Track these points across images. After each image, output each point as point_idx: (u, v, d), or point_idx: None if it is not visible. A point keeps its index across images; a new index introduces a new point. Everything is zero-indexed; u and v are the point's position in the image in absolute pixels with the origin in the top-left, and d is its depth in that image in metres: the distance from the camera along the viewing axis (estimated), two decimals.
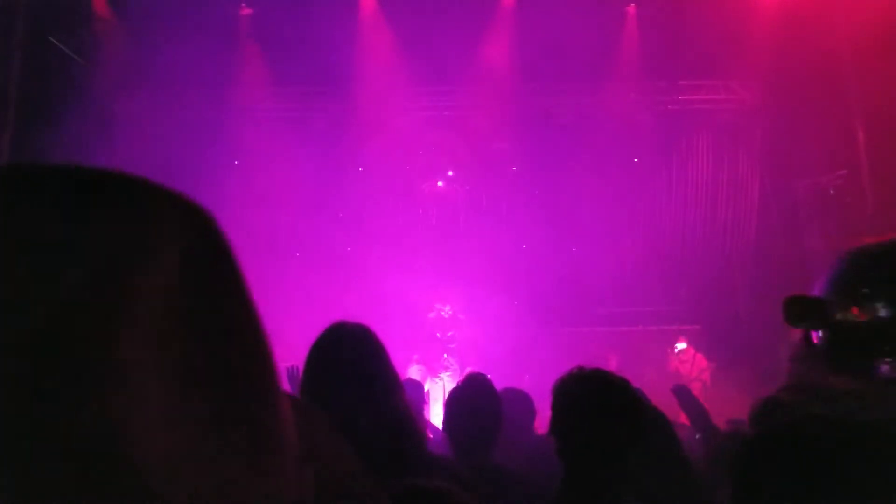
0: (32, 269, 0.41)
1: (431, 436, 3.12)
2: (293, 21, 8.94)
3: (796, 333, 1.38)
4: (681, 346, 9.36)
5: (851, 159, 8.80)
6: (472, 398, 2.50)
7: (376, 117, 10.11)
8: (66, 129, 7.58)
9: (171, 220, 0.46)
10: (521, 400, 3.14)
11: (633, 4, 9.88)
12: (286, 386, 3.52)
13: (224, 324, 0.47)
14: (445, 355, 8.73)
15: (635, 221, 10.65)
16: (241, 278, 0.50)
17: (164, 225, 0.45)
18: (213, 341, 0.46)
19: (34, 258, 0.41)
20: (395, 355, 1.95)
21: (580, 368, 1.90)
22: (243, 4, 9.75)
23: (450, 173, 10.99)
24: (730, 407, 4.99)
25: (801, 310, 1.30)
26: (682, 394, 3.45)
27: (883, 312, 1.20)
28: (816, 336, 1.31)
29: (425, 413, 4.37)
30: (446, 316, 8.83)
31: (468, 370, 8.56)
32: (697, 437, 3.59)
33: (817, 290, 1.31)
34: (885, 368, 1.20)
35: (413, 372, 8.25)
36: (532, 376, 9.12)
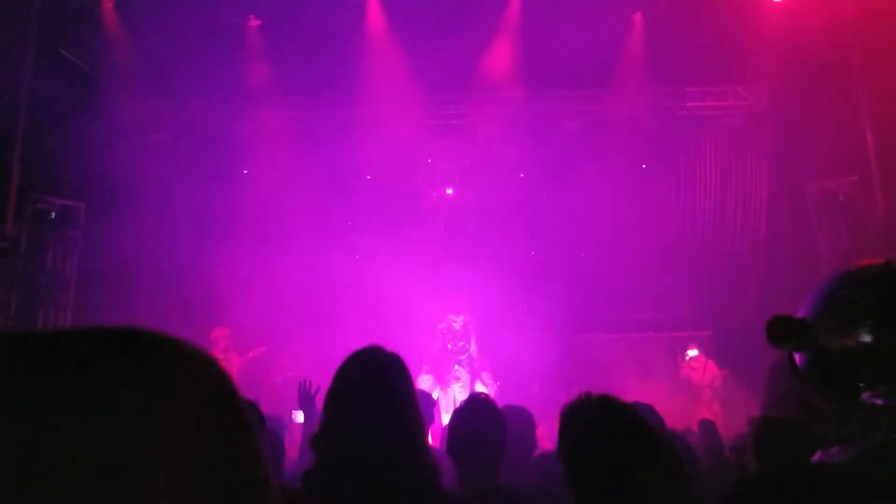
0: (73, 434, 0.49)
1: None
2: (300, 31, 8.99)
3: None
4: (692, 352, 9.29)
5: (861, 164, 8.74)
6: (475, 420, 2.48)
7: (384, 125, 10.14)
8: (74, 139, 7.64)
9: (187, 380, 0.56)
10: (521, 417, 3.11)
11: (639, 12, 9.89)
12: (297, 400, 3.53)
13: (230, 457, 0.57)
14: (456, 367, 8.69)
15: (644, 227, 10.61)
16: (245, 418, 0.60)
17: (181, 387, 0.55)
18: (221, 473, 0.56)
19: (74, 422, 0.49)
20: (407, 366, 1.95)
21: (587, 394, 1.89)
22: (252, 16, 9.83)
23: (456, 182, 10.99)
24: (742, 410, 4.96)
25: (784, 330, 1.27)
26: (707, 429, 4.00)
27: (868, 338, 1.17)
28: (800, 358, 1.29)
29: (435, 425, 4.35)
30: (458, 327, 8.78)
31: (479, 381, 8.56)
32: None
33: (803, 310, 1.28)
34: (867, 395, 1.17)
35: (423, 382, 8.23)
36: (542, 384, 9.09)
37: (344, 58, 9.55)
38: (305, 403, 3.47)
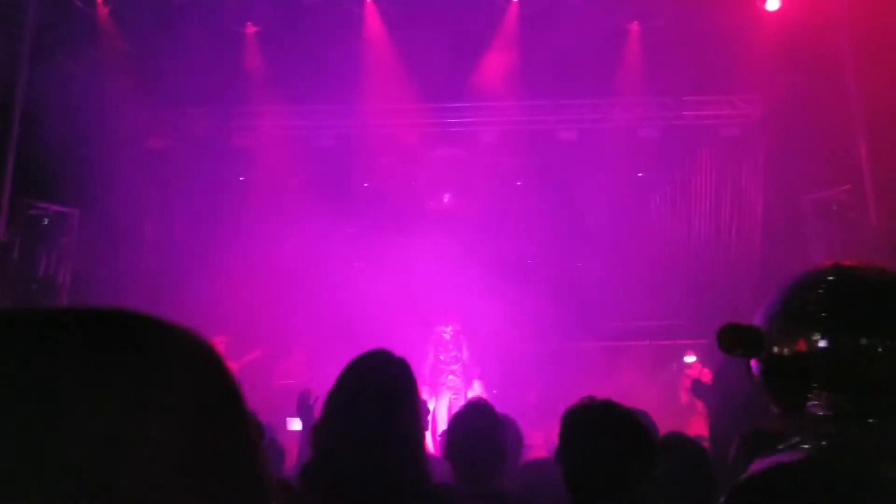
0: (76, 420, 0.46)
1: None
2: (298, 38, 9.01)
3: None
4: (689, 359, 9.29)
5: (855, 174, 8.78)
6: (473, 425, 2.48)
7: (381, 133, 10.15)
8: (68, 145, 7.62)
9: (186, 368, 0.54)
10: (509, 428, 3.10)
11: (635, 22, 9.94)
12: (297, 409, 3.51)
13: (227, 446, 0.55)
14: (450, 376, 8.66)
15: (640, 236, 10.64)
16: (243, 408, 0.58)
17: (179, 375, 0.53)
18: (217, 463, 0.54)
19: (75, 406, 0.47)
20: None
21: (591, 398, 1.90)
22: (249, 23, 9.83)
23: (453, 190, 11.00)
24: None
25: (735, 337, 1.26)
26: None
27: (816, 344, 1.16)
28: (755, 365, 1.27)
29: (432, 433, 4.35)
30: (448, 337, 8.76)
31: (472, 390, 8.53)
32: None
33: (757, 318, 1.28)
34: (813, 405, 1.16)
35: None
36: (537, 394, 9.07)
37: (342, 65, 9.57)
38: (303, 412, 3.46)
